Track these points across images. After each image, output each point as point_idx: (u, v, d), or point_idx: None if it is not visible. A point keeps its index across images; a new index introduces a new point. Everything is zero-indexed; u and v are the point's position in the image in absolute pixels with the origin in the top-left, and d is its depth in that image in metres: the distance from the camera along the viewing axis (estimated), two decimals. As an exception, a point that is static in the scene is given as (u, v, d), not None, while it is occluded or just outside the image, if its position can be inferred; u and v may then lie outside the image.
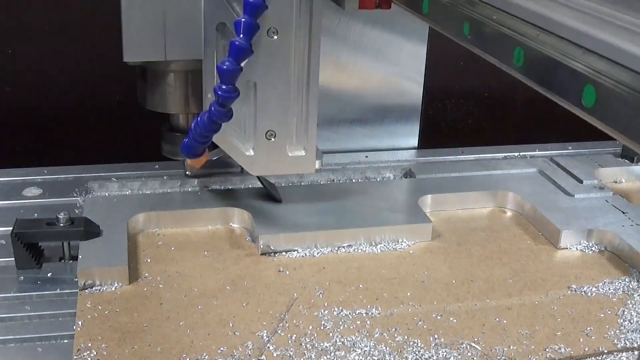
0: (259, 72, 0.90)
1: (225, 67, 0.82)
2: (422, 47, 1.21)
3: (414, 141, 1.26)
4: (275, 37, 0.89)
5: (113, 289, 0.86)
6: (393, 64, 1.21)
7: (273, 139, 0.94)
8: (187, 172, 1.08)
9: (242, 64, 0.85)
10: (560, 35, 0.54)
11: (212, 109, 0.86)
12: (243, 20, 0.82)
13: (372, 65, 1.20)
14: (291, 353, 0.77)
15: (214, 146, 0.98)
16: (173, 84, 1.05)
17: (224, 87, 0.84)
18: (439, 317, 0.84)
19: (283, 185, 1.10)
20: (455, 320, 0.83)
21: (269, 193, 1.03)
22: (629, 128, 0.47)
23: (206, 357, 0.76)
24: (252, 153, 0.95)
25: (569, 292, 0.90)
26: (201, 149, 0.96)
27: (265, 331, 0.80)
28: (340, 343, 0.79)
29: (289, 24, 0.89)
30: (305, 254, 0.95)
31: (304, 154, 0.96)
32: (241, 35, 0.82)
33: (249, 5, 0.81)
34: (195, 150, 0.95)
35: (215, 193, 1.06)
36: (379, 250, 0.97)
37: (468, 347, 0.79)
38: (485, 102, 1.45)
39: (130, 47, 0.98)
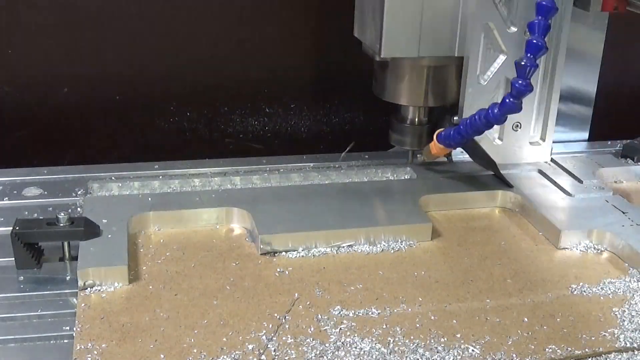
0: (511, 68, 1.00)
1: (524, 63, 0.93)
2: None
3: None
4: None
5: (113, 289, 0.86)
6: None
7: (519, 130, 1.10)
8: (423, 159, 1.15)
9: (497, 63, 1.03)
10: None
11: (507, 101, 0.95)
12: (537, 21, 0.94)
13: None
14: (291, 353, 0.77)
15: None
16: (415, 78, 1.10)
17: (521, 81, 0.94)
18: (439, 317, 0.84)
19: (282, 185, 1.11)
20: (455, 321, 0.83)
21: (500, 178, 1.11)
22: None
23: (206, 357, 0.76)
24: (500, 142, 1.12)
25: (569, 292, 0.90)
26: (463, 141, 1.05)
27: (265, 331, 0.80)
28: (340, 343, 0.79)
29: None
30: (305, 254, 0.95)
31: (542, 143, 1.14)
32: (536, 34, 0.93)
33: (543, 8, 0.93)
34: (463, 140, 1.04)
35: (215, 193, 1.06)
36: (379, 250, 0.97)
37: (468, 347, 0.79)
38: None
39: (389, 44, 1.04)
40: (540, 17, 0.93)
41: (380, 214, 1.01)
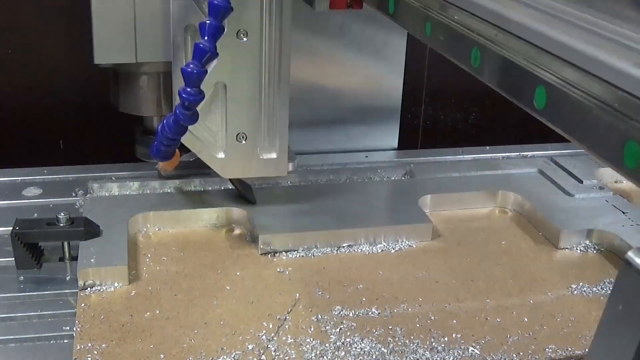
0: (229, 74, 0.91)
1: (189, 69, 0.82)
2: (402, 43, 1.20)
3: (394, 142, 1.25)
4: (245, 38, 0.89)
5: (113, 289, 0.86)
6: (372, 63, 1.20)
7: (244, 142, 0.95)
8: (161, 174, 1.06)
9: (210, 66, 0.85)
10: (515, 33, 0.53)
11: (178, 111, 0.85)
12: (207, 22, 0.81)
13: (352, 63, 1.19)
14: (291, 353, 0.77)
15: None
16: (145, 86, 1.04)
17: (188, 89, 0.83)
18: (438, 317, 0.84)
19: (282, 185, 1.11)
20: (455, 321, 0.83)
21: (241, 195, 1.02)
22: (577, 130, 0.47)
23: (206, 357, 0.76)
24: (223, 156, 0.96)
25: (569, 292, 0.90)
26: (170, 152, 0.94)
27: (265, 331, 0.80)
28: (340, 343, 0.79)
29: (258, 25, 0.89)
30: (305, 254, 0.95)
31: (275, 156, 0.97)
32: (205, 38, 0.81)
33: (213, 7, 0.81)
34: (164, 153, 0.94)
35: (215, 193, 1.06)
36: (379, 250, 0.97)
37: (468, 347, 0.79)
38: (485, 102, 1.45)
39: (101, 49, 0.97)
40: (211, 18, 0.81)
41: (380, 214, 1.01)
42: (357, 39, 1.17)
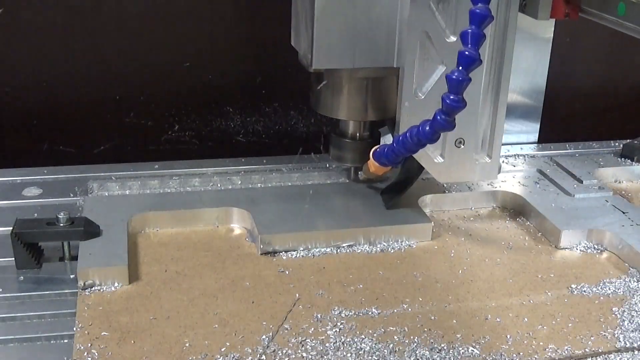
0: None
1: (454, 77, 0.81)
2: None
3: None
4: None
5: (113, 289, 0.86)
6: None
7: (462, 147, 0.97)
8: (359, 178, 1.08)
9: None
10: None
11: (438, 117, 0.84)
12: (470, 30, 0.80)
13: None
14: (291, 353, 0.77)
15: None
16: (352, 91, 1.03)
17: (452, 97, 0.82)
18: (438, 317, 0.84)
19: (282, 185, 1.11)
20: (455, 321, 0.83)
21: (390, 192, 1.03)
22: None
23: (206, 357, 0.76)
24: (442, 160, 0.98)
25: (569, 292, 0.90)
26: (399, 159, 0.96)
27: (265, 331, 0.80)
28: (340, 343, 0.79)
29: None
30: (305, 254, 0.95)
31: (489, 160, 1.00)
32: (469, 45, 0.80)
33: (476, 16, 0.80)
34: (398, 158, 0.95)
35: (215, 193, 1.06)
36: (379, 250, 0.97)
37: (468, 347, 0.79)
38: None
39: (321, 55, 0.96)
40: (473, 27, 0.81)
41: (380, 214, 1.01)
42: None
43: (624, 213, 1.04)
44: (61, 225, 0.90)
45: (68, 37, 1.23)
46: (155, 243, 0.97)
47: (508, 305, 0.87)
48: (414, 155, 0.96)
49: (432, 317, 0.84)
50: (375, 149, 0.99)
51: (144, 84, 1.29)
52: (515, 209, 1.09)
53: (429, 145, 0.92)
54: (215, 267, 0.92)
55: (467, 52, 0.80)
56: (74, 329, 0.79)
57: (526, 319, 0.84)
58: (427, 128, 0.86)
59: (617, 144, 1.29)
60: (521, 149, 1.26)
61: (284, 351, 0.77)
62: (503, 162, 1.20)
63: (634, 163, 1.22)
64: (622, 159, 1.24)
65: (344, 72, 1.00)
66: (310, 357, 0.76)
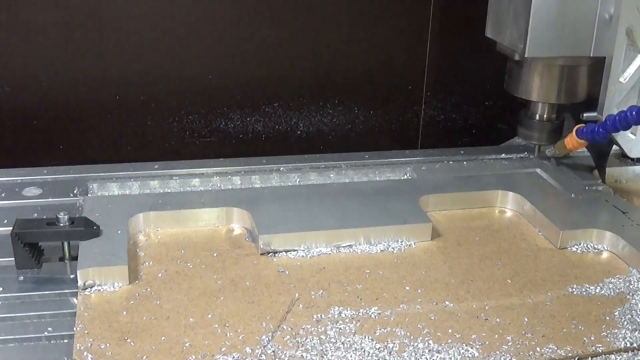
0: None
1: None
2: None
3: None
4: None
5: (113, 289, 0.86)
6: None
7: None
8: (547, 154, 1.19)
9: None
10: None
11: None
12: None
13: None
14: (291, 353, 0.77)
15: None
16: (550, 77, 1.14)
17: None
18: (439, 317, 0.84)
19: (282, 185, 1.11)
20: (455, 321, 0.83)
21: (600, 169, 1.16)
22: None
23: (206, 357, 0.76)
24: (633, 137, 1.13)
25: (569, 292, 0.90)
26: (607, 136, 1.07)
27: (264, 331, 0.80)
28: (340, 343, 0.79)
29: None
30: (305, 254, 0.95)
31: None
32: None
33: None
34: (603, 136, 1.06)
35: (215, 193, 1.06)
36: (379, 250, 0.97)
37: (468, 348, 0.79)
38: (485, 102, 1.45)
39: (533, 44, 1.09)
40: None
41: (380, 214, 1.01)
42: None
43: (624, 213, 1.04)
44: (61, 225, 0.90)
45: (68, 37, 1.23)
46: (155, 243, 0.97)
47: (508, 305, 0.87)
48: (613, 134, 1.08)
49: (432, 317, 0.84)
50: (580, 127, 1.10)
51: (144, 84, 1.29)
52: (515, 209, 1.09)
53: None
54: (215, 267, 0.92)
55: None
56: (74, 329, 0.79)
57: (526, 319, 0.84)
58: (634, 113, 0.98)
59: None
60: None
61: (284, 351, 0.77)
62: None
63: (634, 163, 1.22)
64: (623, 158, 1.24)
65: (544, 60, 1.12)
66: (310, 357, 0.76)
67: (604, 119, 1.07)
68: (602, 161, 1.17)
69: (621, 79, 1.11)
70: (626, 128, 1.03)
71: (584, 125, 1.10)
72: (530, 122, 1.19)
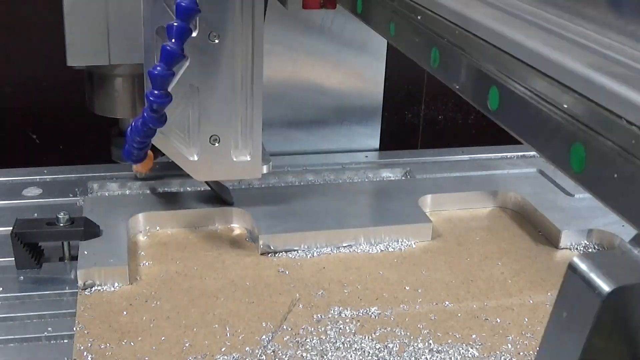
0: (202, 77, 0.90)
1: (156, 72, 0.80)
2: (382, 46, 1.20)
3: (375, 142, 1.25)
4: (217, 40, 0.88)
5: (113, 289, 0.86)
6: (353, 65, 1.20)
7: (217, 144, 0.94)
8: (136, 175, 1.07)
9: (180, 69, 0.85)
10: (473, 32, 0.53)
11: (145, 114, 0.84)
12: (175, 24, 0.80)
13: (333, 66, 1.19)
14: (291, 353, 0.77)
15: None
16: (120, 89, 1.03)
17: (155, 92, 0.81)
18: (438, 317, 0.84)
19: (282, 185, 1.11)
20: (455, 321, 0.83)
21: (218, 196, 1.02)
22: (528, 131, 0.48)
23: (206, 357, 0.76)
24: (197, 158, 0.94)
25: (569, 292, 0.90)
26: (141, 154, 0.94)
27: (265, 331, 0.80)
28: (340, 343, 0.79)
29: (229, 27, 0.88)
30: (305, 254, 0.95)
31: (249, 158, 0.96)
32: (172, 40, 0.80)
33: (181, 9, 0.79)
34: (134, 155, 0.93)
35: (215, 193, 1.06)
36: (379, 250, 0.97)
37: (468, 348, 0.79)
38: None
39: (74, 52, 0.96)
40: (178, 20, 0.79)
41: (380, 214, 1.01)
42: (337, 37, 1.18)
43: (624, 213, 1.04)
44: (61, 225, 0.90)
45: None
46: (155, 243, 0.97)
47: (508, 305, 0.87)
48: (168, 155, 0.94)
49: (432, 317, 0.84)
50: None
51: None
52: (515, 209, 1.09)
53: (182, 143, 0.93)
54: (215, 267, 0.92)
55: (168, 47, 0.80)
56: (74, 329, 0.79)
57: (526, 319, 0.84)
58: (139, 125, 0.86)
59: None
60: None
61: (284, 351, 0.77)
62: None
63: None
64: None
65: (107, 70, 1.00)
66: (310, 357, 0.77)
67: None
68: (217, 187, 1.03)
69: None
70: (141, 143, 0.90)
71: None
72: (122, 142, 0.99)
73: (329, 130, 1.22)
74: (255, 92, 0.93)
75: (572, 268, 0.43)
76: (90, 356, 0.75)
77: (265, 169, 0.97)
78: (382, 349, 0.78)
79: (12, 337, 0.78)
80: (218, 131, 0.94)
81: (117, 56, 0.97)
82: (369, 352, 0.77)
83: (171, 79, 0.82)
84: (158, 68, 0.80)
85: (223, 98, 0.92)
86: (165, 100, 0.82)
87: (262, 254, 0.95)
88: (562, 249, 0.99)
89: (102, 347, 0.76)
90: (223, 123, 0.93)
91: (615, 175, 0.39)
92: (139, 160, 0.95)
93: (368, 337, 0.80)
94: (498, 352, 0.78)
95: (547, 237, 1.01)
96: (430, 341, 0.80)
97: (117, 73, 1.01)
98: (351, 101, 1.22)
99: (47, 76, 1.26)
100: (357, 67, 1.20)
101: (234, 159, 0.95)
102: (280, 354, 0.77)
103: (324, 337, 0.79)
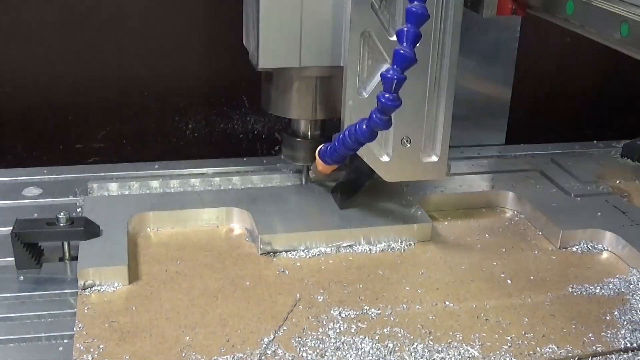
0: None
1: (389, 75, 0.81)
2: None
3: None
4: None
5: (113, 289, 0.86)
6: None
7: (408, 145, 0.97)
8: (310, 177, 1.08)
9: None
10: None
11: (374, 116, 0.84)
12: (406, 29, 0.81)
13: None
14: (291, 353, 0.77)
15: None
16: (301, 90, 1.03)
17: (387, 95, 0.82)
18: (438, 317, 0.84)
19: (282, 185, 1.11)
20: (455, 321, 0.83)
21: (342, 190, 1.03)
22: None
23: (206, 357, 0.76)
24: (388, 159, 0.97)
25: (569, 292, 0.90)
26: (345, 157, 0.95)
27: (265, 331, 0.80)
28: (340, 343, 0.79)
29: (428, 32, 0.91)
30: (305, 254, 0.95)
31: (436, 159, 0.98)
32: (405, 44, 0.81)
33: (412, 14, 0.81)
34: (341, 157, 0.95)
35: (215, 193, 1.06)
36: (379, 250, 0.97)
37: (468, 348, 0.79)
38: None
39: (267, 54, 0.96)
40: (409, 25, 0.81)
41: (380, 214, 1.01)
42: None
43: (624, 213, 1.04)
44: (61, 225, 0.90)
45: (68, 37, 1.23)
46: (155, 243, 0.97)
47: (508, 305, 0.87)
48: (360, 154, 0.95)
49: (432, 317, 0.84)
50: (320, 148, 0.98)
51: (144, 84, 1.29)
52: (515, 209, 1.09)
53: (375, 143, 0.92)
54: (215, 267, 0.92)
55: (402, 51, 0.80)
56: (74, 329, 0.79)
57: (526, 319, 0.84)
58: (364, 127, 0.86)
59: (617, 143, 1.30)
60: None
61: (284, 351, 0.77)
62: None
63: (633, 163, 1.22)
64: (623, 158, 1.24)
65: (291, 71, 1.00)
66: (310, 357, 0.76)
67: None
68: (354, 187, 1.04)
69: (363, 93, 0.95)
70: (350, 150, 0.92)
71: (323, 145, 0.98)
72: (292, 142, 1.07)
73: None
74: (448, 93, 0.96)
75: None
76: (90, 356, 0.75)
77: (448, 169, 1.01)
78: (382, 349, 0.78)
79: (12, 337, 0.78)
80: (409, 133, 0.96)
81: (308, 59, 0.97)
82: (369, 352, 0.77)
83: (403, 83, 0.82)
84: (391, 72, 0.81)
85: (416, 99, 0.94)
86: (396, 103, 0.82)
87: (262, 254, 0.95)
88: (562, 249, 0.99)
89: (102, 347, 0.76)
90: (414, 125, 0.96)
91: None
92: (338, 162, 0.97)
93: (368, 337, 0.80)
94: (498, 352, 0.78)
95: (547, 237, 1.01)
96: (431, 341, 0.80)
97: (299, 75, 1.01)
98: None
99: (48, 76, 1.25)
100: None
101: (422, 160, 0.98)
102: (281, 354, 0.77)
103: (324, 337, 0.79)
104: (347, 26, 0.92)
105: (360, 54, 0.93)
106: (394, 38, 0.89)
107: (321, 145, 0.98)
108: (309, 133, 1.06)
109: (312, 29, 0.95)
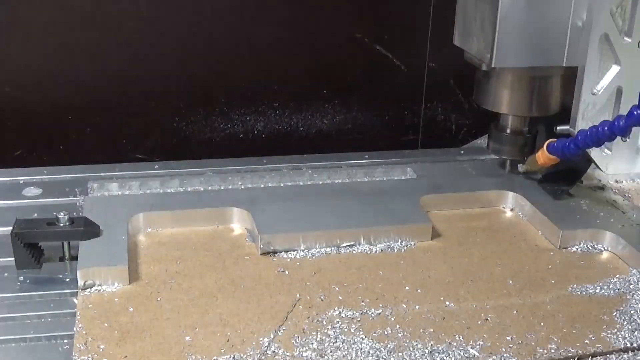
0: (628, 79, 1.05)
1: None
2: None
3: None
4: None
5: (113, 289, 0.86)
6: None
7: (627, 139, 1.07)
8: (519, 170, 1.12)
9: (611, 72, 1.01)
10: None
11: (635, 112, 0.90)
12: None
13: None
14: (291, 353, 0.77)
15: None
16: (522, 88, 1.09)
17: None
18: (438, 317, 0.84)
19: (282, 185, 1.11)
20: (455, 321, 0.83)
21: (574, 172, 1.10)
22: None
23: (206, 357, 0.76)
24: (609, 153, 1.09)
25: (569, 292, 0.90)
26: (580, 152, 1.01)
27: (265, 331, 0.80)
28: (340, 343, 0.79)
29: None
30: (305, 254, 0.95)
31: None
32: None
33: None
34: (575, 150, 1.00)
35: (215, 193, 1.06)
36: (379, 250, 0.97)
37: (468, 348, 0.79)
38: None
39: (500, 54, 1.03)
40: None
41: (380, 214, 1.01)
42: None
43: (624, 213, 1.04)
44: (61, 225, 0.90)
45: (68, 37, 1.23)
46: (155, 243, 0.97)
47: (508, 305, 0.87)
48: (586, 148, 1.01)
49: (432, 317, 0.84)
50: (551, 142, 1.04)
51: (144, 83, 1.29)
52: (515, 209, 1.09)
53: None
54: (215, 267, 0.92)
55: None
56: (74, 329, 0.79)
57: (526, 319, 0.84)
58: (622, 122, 0.92)
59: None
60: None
61: (284, 351, 0.77)
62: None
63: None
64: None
65: (513, 70, 1.07)
66: (310, 357, 0.76)
67: (576, 133, 1.02)
68: (574, 178, 1.11)
69: (595, 91, 1.05)
70: (597, 144, 0.98)
71: (555, 140, 1.05)
72: (500, 136, 1.14)
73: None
74: None
75: None
76: (90, 356, 0.75)
77: None
78: (382, 349, 0.78)
79: (12, 337, 0.78)
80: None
81: (536, 59, 1.04)
82: (369, 352, 0.77)
83: None
84: None
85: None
86: None
87: (262, 254, 0.95)
88: (562, 249, 0.99)
89: (102, 347, 0.76)
90: None
91: None
92: (573, 156, 1.02)
93: (368, 337, 0.80)
94: (498, 352, 0.78)
95: (547, 237, 1.01)
96: (431, 341, 0.80)
97: (525, 74, 1.07)
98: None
99: (48, 76, 1.25)
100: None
101: (637, 153, 1.09)
102: (281, 354, 0.77)
103: (324, 337, 0.79)
104: (585, 29, 1.02)
105: (598, 55, 1.03)
106: (627, 41, 1.04)
107: (550, 140, 1.04)
108: (520, 129, 1.13)
109: (541, 31, 1.03)
